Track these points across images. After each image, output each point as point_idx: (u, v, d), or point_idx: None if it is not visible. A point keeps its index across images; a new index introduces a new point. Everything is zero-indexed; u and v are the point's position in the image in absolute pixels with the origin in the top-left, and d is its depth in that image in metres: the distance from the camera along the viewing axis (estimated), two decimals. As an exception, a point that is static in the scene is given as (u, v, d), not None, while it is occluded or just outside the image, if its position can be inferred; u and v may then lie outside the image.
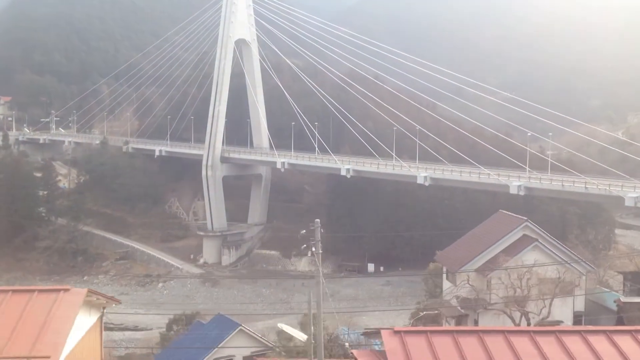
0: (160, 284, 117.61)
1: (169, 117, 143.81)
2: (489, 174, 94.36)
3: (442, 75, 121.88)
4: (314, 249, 31.17)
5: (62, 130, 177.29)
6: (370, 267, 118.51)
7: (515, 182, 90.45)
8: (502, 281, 43.65)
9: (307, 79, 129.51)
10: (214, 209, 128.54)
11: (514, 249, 48.22)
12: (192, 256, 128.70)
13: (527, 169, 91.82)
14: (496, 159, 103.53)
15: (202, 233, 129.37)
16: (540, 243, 48.18)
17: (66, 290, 18.34)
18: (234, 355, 47.89)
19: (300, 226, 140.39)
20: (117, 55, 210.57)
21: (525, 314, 42.61)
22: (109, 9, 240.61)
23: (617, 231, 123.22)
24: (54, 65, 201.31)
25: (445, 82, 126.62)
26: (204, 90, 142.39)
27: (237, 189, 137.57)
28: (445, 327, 40.13)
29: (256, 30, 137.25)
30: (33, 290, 18.34)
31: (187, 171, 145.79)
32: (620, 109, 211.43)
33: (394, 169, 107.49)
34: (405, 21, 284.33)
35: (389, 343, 17.05)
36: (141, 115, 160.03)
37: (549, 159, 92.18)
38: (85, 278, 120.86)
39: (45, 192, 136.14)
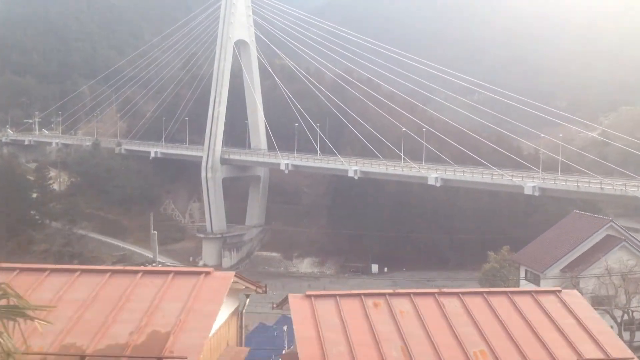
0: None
1: (164, 118, 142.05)
2: (502, 175, 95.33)
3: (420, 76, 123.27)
4: None
5: (46, 132, 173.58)
6: (374, 267, 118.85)
7: (530, 182, 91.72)
8: (602, 281, 44.60)
9: (306, 76, 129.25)
10: (214, 211, 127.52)
11: (600, 249, 49.35)
12: (191, 258, 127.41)
13: (540, 170, 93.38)
14: (496, 160, 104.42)
15: (201, 235, 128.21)
16: (627, 243, 49.57)
17: (208, 273, 15.10)
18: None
19: (299, 228, 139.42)
20: (95, 55, 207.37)
21: (627, 312, 43.65)
22: (85, 7, 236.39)
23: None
24: (33, 65, 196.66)
25: (425, 82, 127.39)
26: (198, 92, 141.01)
27: (233, 190, 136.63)
28: None
29: (255, 31, 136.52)
30: (169, 272, 15.15)
31: (182, 173, 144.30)
32: (586, 110, 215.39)
33: (402, 170, 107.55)
34: (372, 19, 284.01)
35: None
36: (130, 118, 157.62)
37: (560, 158, 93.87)
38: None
39: (38, 195, 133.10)
